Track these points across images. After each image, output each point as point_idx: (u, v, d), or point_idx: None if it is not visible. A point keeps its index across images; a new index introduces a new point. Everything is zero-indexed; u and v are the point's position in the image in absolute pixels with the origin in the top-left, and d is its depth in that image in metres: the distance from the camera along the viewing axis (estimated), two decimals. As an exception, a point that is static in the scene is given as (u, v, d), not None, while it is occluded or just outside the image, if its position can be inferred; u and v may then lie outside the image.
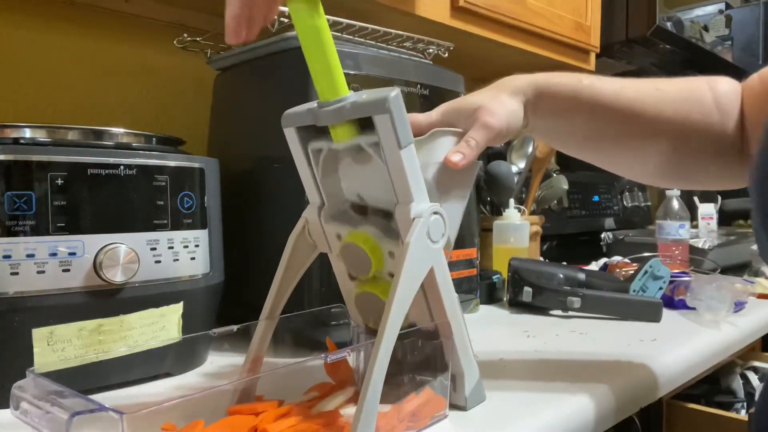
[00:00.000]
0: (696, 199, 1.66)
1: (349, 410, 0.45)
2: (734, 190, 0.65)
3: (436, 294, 0.48)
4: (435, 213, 0.46)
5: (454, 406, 0.51)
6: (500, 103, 0.55)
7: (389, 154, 0.45)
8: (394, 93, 0.43)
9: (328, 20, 0.54)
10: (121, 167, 0.56)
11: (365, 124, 0.46)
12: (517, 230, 1.09)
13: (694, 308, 0.91)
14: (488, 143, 0.54)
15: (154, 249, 0.59)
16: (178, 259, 0.60)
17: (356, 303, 0.52)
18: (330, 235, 0.52)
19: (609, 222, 1.66)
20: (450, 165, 0.50)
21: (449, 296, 0.49)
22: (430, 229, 0.46)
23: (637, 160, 0.63)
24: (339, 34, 0.78)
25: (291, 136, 0.50)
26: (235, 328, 0.53)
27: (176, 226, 0.60)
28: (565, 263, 1.12)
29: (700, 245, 1.38)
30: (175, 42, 0.87)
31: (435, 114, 0.58)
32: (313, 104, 0.47)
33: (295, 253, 0.53)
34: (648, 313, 0.89)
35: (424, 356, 0.50)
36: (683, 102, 0.58)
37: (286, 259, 0.53)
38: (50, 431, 0.34)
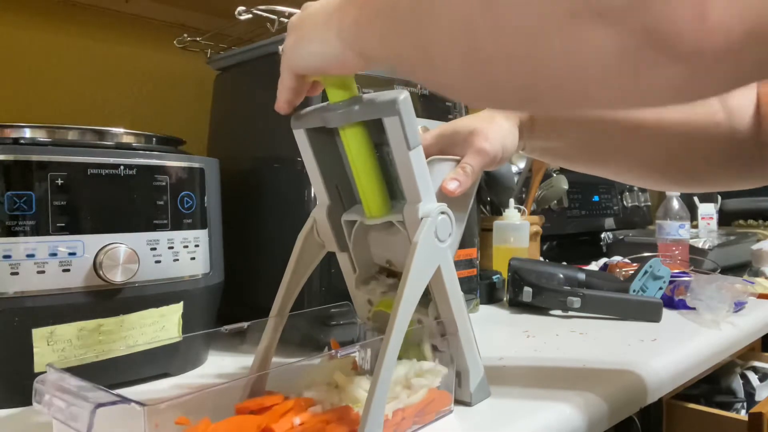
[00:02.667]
0: (696, 199, 1.66)
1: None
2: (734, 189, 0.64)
3: (443, 292, 0.49)
4: (442, 213, 0.47)
5: (459, 402, 0.52)
6: (496, 126, 0.55)
7: (398, 155, 0.45)
8: (404, 95, 0.44)
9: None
10: (121, 167, 0.56)
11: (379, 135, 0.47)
12: (517, 230, 1.09)
13: (694, 308, 0.91)
14: (484, 168, 0.54)
15: (154, 249, 0.59)
16: (178, 259, 0.60)
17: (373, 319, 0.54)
18: (360, 299, 0.54)
19: (609, 222, 1.66)
20: (447, 193, 0.50)
21: (455, 294, 0.50)
22: (438, 228, 0.46)
23: (642, 168, 0.62)
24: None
25: (300, 137, 0.51)
26: (246, 324, 0.53)
27: (176, 226, 0.60)
28: (565, 263, 1.12)
29: (700, 245, 1.38)
30: (175, 42, 0.87)
31: (429, 138, 0.58)
32: (323, 105, 0.48)
33: (303, 252, 0.54)
34: (648, 313, 0.89)
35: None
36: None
37: (294, 258, 0.54)
38: (73, 422, 0.35)
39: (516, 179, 1.22)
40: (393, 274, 0.54)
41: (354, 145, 0.47)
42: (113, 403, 0.34)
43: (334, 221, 0.52)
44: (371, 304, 0.54)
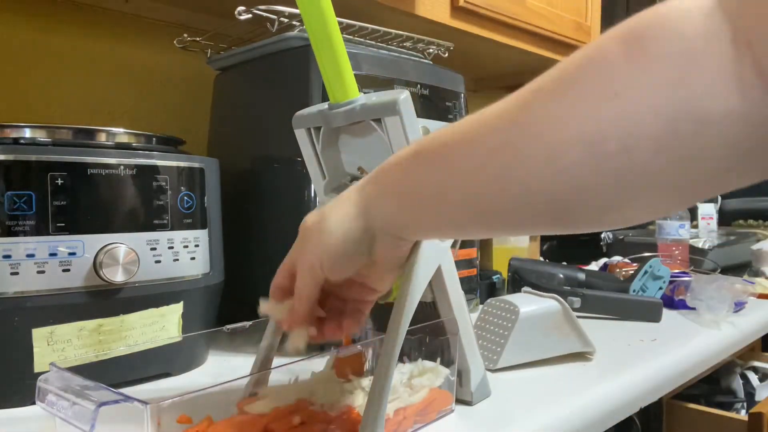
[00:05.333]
0: (696, 199, 1.66)
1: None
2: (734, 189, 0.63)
3: (444, 291, 0.49)
4: None
5: (460, 401, 0.52)
6: None
7: None
8: (404, 95, 0.44)
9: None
10: (121, 167, 0.56)
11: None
12: (517, 230, 1.09)
13: (694, 308, 0.91)
14: None
15: (154, 249, 0.59)
16: (178, 259, 0.60)
17: None
18: None
19: (609, 222, 1.65)
20: None
21: (456, 293, 0.50)
22: None
23: None
24: (339, 34, 0.78)
25: (302, 137, 0.51)
26: (247, 324, 0.53)
27: (176, 226, 0.60)
28: (565, 263, 1.12)
29: (700, 245, 1.38)
30: (175, 42, 0.87)
31: None
32: (324, 106, 0.48)
33: None
34: (648, 313, 0.89)
35: (431, 351, 0.51)
36: None
37: None
38: (76, 421, 0.35)
39: (516, 179, 1.21)
40: None
41: (313, 13, 0.43)
42: (116, 401, 0.34)
43: (326, 194, 0.52)
44: None
